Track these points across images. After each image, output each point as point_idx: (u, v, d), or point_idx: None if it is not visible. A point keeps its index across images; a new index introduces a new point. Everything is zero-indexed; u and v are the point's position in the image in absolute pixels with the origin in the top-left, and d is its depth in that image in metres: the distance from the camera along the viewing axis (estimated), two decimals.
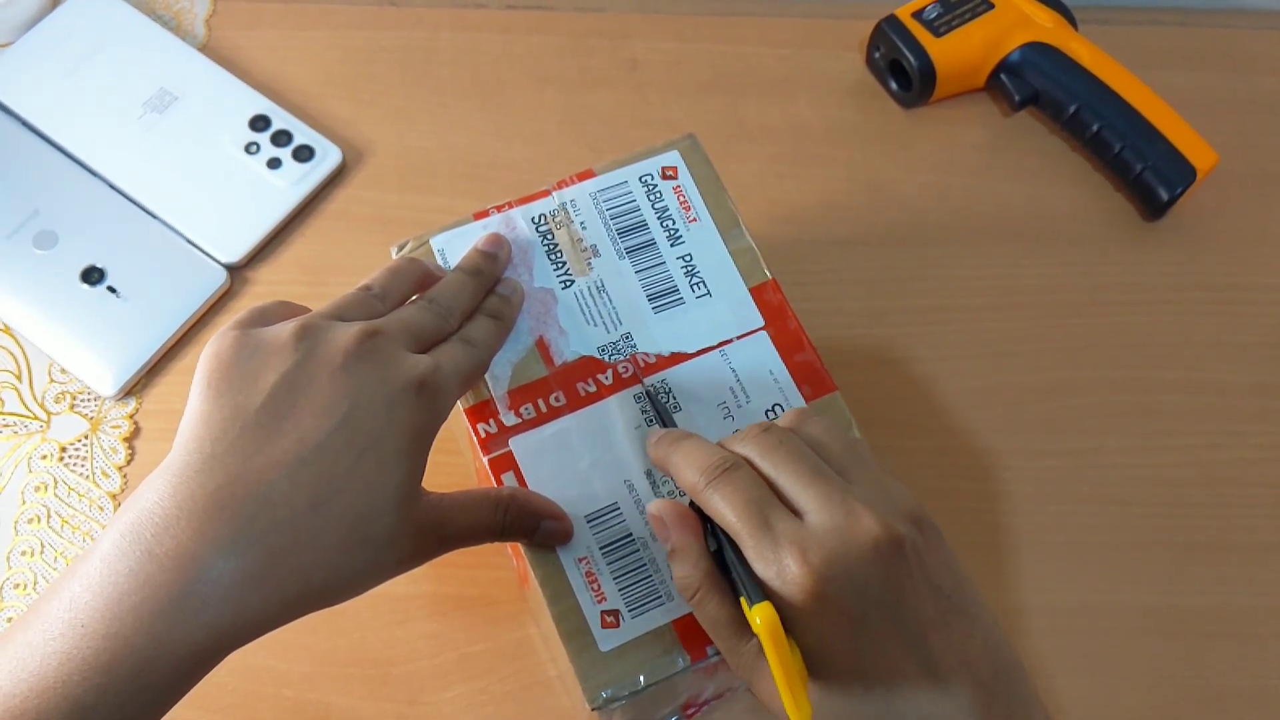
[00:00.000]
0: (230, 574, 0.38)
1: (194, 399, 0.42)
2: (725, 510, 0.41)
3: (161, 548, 0.38)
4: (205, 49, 0.73)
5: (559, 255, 0.53)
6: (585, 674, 0.45)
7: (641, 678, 0.45)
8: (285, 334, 0.43)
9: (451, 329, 0.48)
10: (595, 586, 0.46)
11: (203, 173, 0.68)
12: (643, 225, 0.54)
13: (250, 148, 0.69)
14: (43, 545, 0.60)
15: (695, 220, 0.54)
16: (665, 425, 0.48)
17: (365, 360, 0.42)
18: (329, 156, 0.69)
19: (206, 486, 0.39)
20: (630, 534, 0.47)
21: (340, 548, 0.40)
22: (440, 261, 0.52)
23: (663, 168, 0.55)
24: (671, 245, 0.53)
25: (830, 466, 0.42)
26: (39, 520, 0.61)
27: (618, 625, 0.46)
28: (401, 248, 0.53)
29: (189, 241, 0.67)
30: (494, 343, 0.49)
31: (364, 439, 0.41)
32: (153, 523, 0.38)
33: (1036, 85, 0.72)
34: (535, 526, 0.46)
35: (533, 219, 0.54)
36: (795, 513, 0.41)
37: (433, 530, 0.43)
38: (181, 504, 0.38)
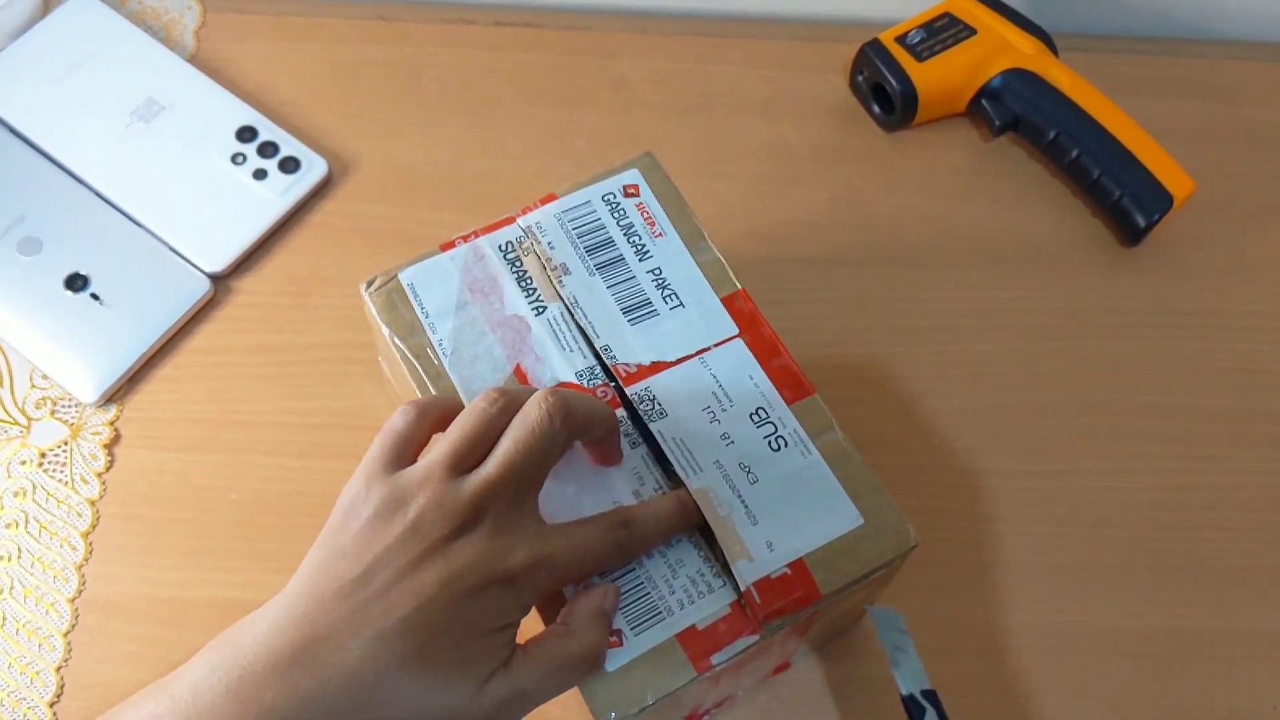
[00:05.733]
0: None
1: (318, 541, 0.44)
2: None
3: (243, 689, 0.40)
4: (194, 59, 0.74)
5: (529, 282, 0.53)
6: (593, 696, 0.45)
7: (649, 695, 0.45)
8: (397, 506, 0.43)
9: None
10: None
11: (188, 182, 0.69)
12: (609, 242, 0.54)
13: (236, 158, 0.70)
14: (20, 550, 0.60)
15: (661, 235, 0.55)
16: None
17: (459, 549, 0.43)
18: (315, 168, 0.70)
19: (295, 641, 0.41)
20: None
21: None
22: (410, 295, 0.52)
23: (624, 186, 0.56)
24: (640, 260, 0.54)
25: None
26: (17, 525, 0.61)
27: (621, 644, 0.46)
28: (370, 284, 0.53)
29: (173, 250, 0.67)
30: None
31: (440, 622, 0.42)
32: (239, 662, 0.40)
33: (1017, 111, 0.72)
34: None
35: (499, 247, 0.54)
36: None
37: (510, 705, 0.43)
38: (272, 650, 0.41)
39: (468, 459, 0.44)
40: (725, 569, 0.47)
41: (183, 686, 0.40)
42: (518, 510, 0.44)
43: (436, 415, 0.46)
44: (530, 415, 0.44)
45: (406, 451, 0.45)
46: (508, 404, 0.45)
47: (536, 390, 0.46)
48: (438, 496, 0.43)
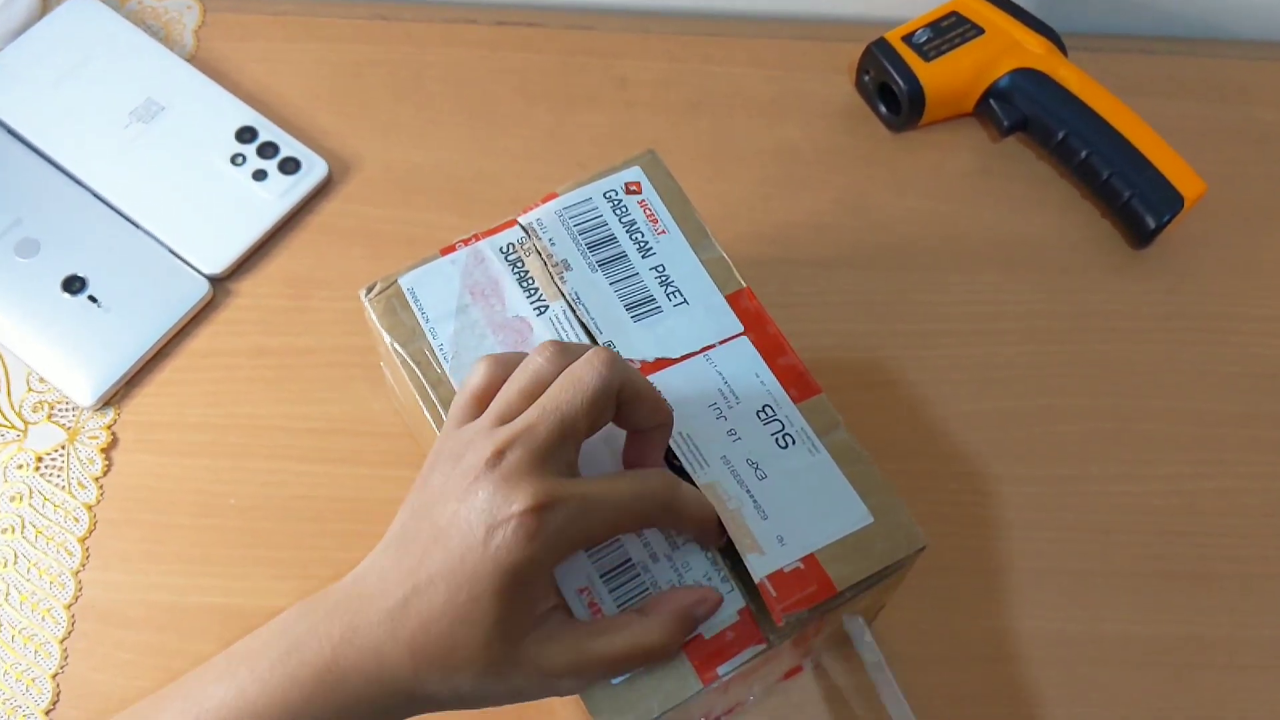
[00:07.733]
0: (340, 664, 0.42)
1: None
2: None
3: (282, 624, 0.44)
4: (193, 59, 0.73)
5: (530, 282, 0.53)
6: (598, 708, 0.44)
7: (655, 705, 0.44)
8: (456, 459, 0.44)
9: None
10: (599, 616, 0.45)
11: (187, 183, 0.68)
12: (611, 239, 0.54)
13: (236, 159, 0.69)
14: (16, 555, 0.59)
15: (664, 232, 0.54)
16: None
17: (477, 493, 0.43)
18: (315, 169, 0.69)
19: (344, 588, 0.44)
20: (629, 558, 0.47)
21: (433, 668, 0.42)
22: (410, 300, 0.52)
23: (625, 183, 0.55)
24: (643, 256, 0.53)
25: None
26: (13, 530, 0.60)
27: None
28: (370, 290, 0.53)
29: (172, 252, 0.66)
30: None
31: (467, 569, 0.42)
32: (297, 608, 0.44)
33: (1025, 111, 0.72)
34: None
35: (500, 249, 0.53)
36: None
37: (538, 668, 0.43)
38: (327, 595, 0.44)
39: (515, 411, 0.44)
40: (733, 574, 0.47)
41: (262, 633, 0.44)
42: (542, 459, 0.42)
43: (511, 370, 0.46)
44: (577, 369, 0.44)
45: (479, 406, 0.46)
46: (558, 355, 0.45)
47: (593, 347, 0.45)
48: (478, 447, 0.43)
